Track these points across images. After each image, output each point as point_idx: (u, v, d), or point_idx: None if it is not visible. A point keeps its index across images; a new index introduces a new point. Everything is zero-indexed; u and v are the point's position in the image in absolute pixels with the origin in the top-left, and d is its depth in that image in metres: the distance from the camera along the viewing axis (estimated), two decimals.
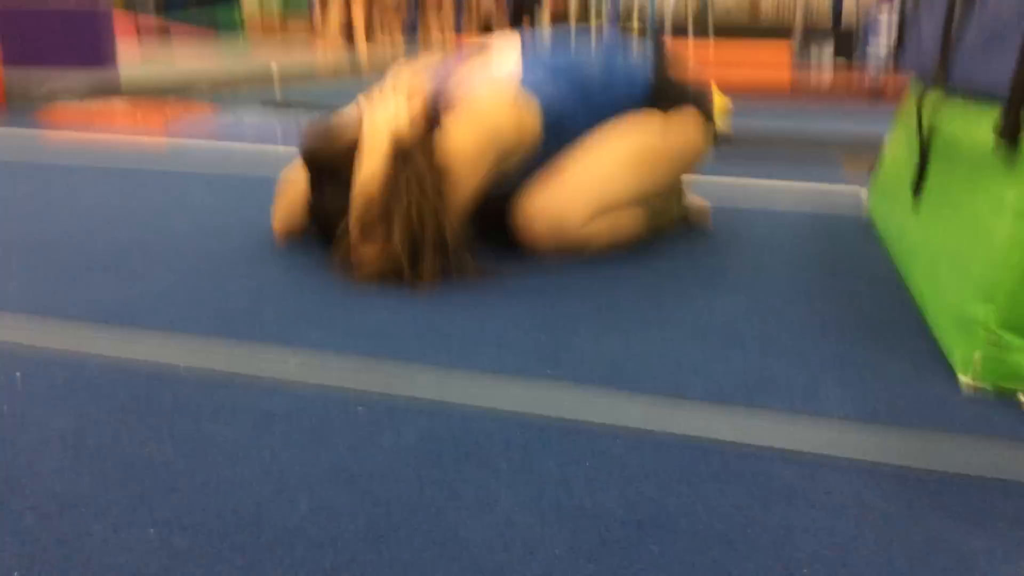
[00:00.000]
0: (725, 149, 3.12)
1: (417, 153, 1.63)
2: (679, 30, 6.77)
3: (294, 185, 1.85)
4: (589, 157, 1.84)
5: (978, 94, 1.49)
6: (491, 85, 1.77)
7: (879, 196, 2.22)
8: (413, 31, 8.80)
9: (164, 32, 10.52)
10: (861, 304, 1.58)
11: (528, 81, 1.79)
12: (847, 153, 3.78)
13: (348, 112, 1.81)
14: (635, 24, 6.98)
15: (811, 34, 6.63)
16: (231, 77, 6.42)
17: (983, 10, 1.53)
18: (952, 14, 1.67)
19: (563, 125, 1.83)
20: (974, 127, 1.45)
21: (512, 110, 1.74)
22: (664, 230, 2.03)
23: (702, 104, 1.99)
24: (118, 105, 4.08)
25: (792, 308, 1.55)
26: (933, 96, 1.73)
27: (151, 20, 10.70)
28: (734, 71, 5.80)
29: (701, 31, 6.79)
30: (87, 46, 5.71)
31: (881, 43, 6.02)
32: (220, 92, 6.12)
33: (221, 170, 2.81)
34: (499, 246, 1.83)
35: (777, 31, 7.11)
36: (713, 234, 2.09)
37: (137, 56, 7.67)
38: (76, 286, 1.57)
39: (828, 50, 6.37)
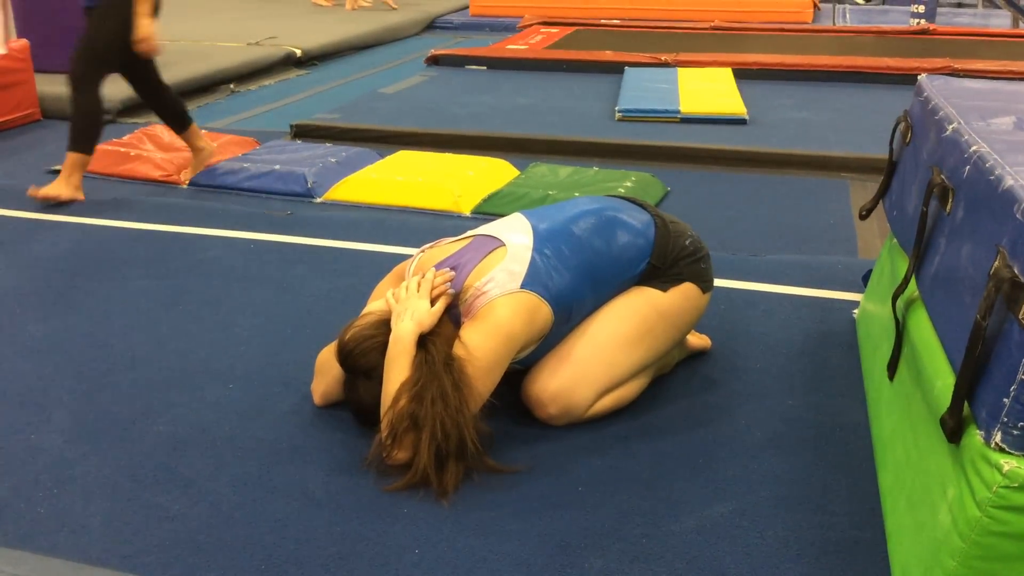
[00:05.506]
0: None
1: (441, 370, 1.77)
2: None
3: (332, 367, 2.00)
4: (594, 342, 1.98)
5: (936, 331, 1.59)
6: (506, 287, 1.88)
7: (864, 320, 2.32)
8: None
9: None
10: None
11: (540, 278, 1.91)
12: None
13: (377, 309, 1.95)
14: None
15: None
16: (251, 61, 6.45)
17: (951, 242, 1.60)
18: (924, 222, 1.75)
19: (572, 312, 1.98)
20: (933, 373, 1.55)
21: (526, 315, 1.87)
22: (665, 371, 2.20)
23: (698, 277, 2.11)
24: (150, 138, 4.21)
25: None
26: (907, 293, 1.83)
27: None
28: None
29: None
30: None
31: None
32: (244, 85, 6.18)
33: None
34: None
35: None
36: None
37: None
38: None
39: None
